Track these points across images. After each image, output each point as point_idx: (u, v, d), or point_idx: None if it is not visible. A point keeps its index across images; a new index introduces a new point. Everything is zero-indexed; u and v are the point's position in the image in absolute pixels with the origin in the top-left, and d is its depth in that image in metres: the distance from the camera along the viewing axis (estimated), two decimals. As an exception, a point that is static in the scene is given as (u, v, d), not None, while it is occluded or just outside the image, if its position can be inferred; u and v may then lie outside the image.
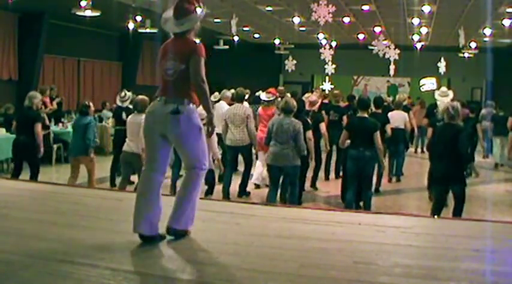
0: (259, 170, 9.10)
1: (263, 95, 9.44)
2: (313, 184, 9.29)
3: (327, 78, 19.88)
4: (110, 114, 12.84)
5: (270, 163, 7.14)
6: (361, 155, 6.98)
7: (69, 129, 10.43)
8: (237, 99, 8.65)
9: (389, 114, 9.55)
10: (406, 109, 11.29)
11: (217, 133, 7.45)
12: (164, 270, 3.23)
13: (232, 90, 9.80)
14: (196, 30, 3.92)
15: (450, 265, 3.41)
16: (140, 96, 7.74)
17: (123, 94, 9.61)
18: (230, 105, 9.02)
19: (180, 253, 3.61)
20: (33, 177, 7.59)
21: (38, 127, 7.55)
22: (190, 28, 3.85)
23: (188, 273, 3.24)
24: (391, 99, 15.91)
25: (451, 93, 10.80)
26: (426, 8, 12.35)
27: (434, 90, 10.93)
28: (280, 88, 12.31)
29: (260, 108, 9.18)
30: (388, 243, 3.90)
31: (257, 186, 9.07)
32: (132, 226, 3.70)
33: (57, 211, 4.66)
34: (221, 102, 9.60)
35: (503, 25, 13.87)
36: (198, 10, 3.85)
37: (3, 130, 10.83)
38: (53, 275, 3.16)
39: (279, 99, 9.56)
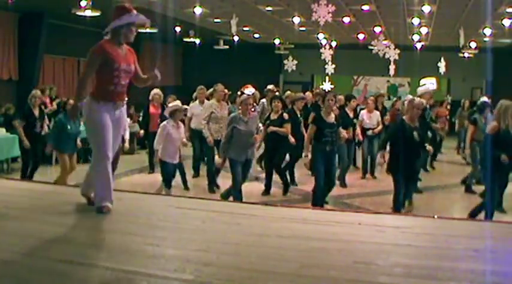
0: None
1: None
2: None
3: (327, 78, 19.86)
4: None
5: None
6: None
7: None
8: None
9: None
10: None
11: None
12: (164, 270, 3.23)
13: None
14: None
15: (450, 265, 3.40)
16: None
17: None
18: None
19: (180, 253, 3.61)
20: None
21: None
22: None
23: (188, 273, 3.24)
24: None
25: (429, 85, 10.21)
26: (426, 8, 12.34)
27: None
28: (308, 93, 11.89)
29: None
30: (388, 243, 3.89)
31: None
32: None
33: (57, 211, 4.66)
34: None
35: (503, 25, 13.86)
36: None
37: (3, 130, 10.82)
38: (53, 275, 3.16)
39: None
